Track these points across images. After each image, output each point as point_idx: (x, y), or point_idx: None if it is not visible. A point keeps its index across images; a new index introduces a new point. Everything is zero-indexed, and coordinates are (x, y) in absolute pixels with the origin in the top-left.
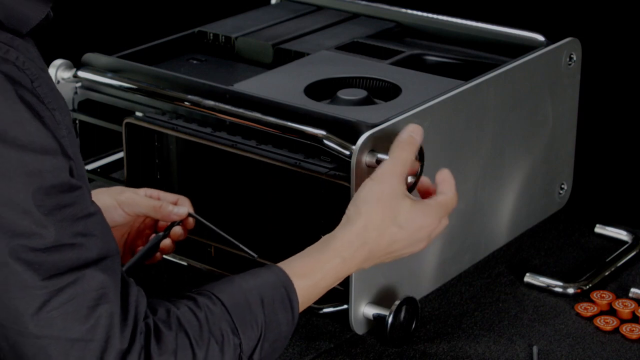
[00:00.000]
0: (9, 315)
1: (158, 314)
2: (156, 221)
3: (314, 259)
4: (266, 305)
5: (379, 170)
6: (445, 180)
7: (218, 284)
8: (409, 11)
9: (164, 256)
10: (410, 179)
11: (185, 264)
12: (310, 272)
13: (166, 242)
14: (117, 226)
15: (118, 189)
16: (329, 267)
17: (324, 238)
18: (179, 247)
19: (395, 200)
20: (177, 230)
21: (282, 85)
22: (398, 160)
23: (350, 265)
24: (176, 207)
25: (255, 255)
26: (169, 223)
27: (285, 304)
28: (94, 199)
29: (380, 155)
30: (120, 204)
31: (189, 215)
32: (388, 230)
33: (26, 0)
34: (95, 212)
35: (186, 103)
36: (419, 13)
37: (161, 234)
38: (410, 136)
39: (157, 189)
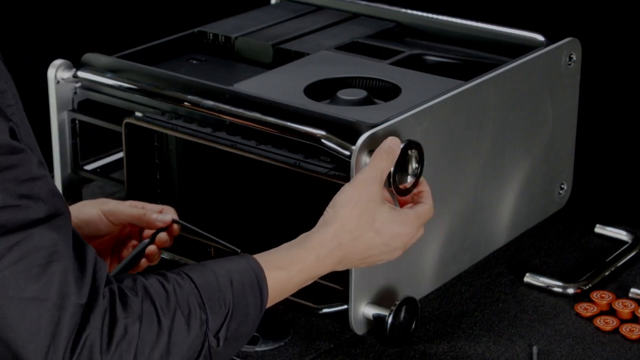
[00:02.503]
0: None
1: (124, 282)
2: (141, 230)
3: (289, 253)
4: (235, 286)
5: (359, 176)
6: (423, 190)
7: (190, 265)
8: (409, 11)
9: (163, 256)
10: (410, 179)
11: (185, 264)
12: (284, 265)
13: (152, 249)
14: (102, 236)
15: (102, 200)
16: (303, 264)
17: (301, 236)
18: (179, 247)
19: (372, 205)
20: (163, 236)
21: (282, 85)
22: (377, 168)
23: (325, 264)
24: (160, 214)
25: (239, 251)
26: (154, 231)
27: (255, 287)
28: (78, 210)
29: None
30: (104, 213)
31: (173, 221)
32: (364, 236)
33: None
34: (41, 176)
35: (186, 103)
36: (419, 13)
37: (147, 240)
38: (390, 147)
39: (143, 202)
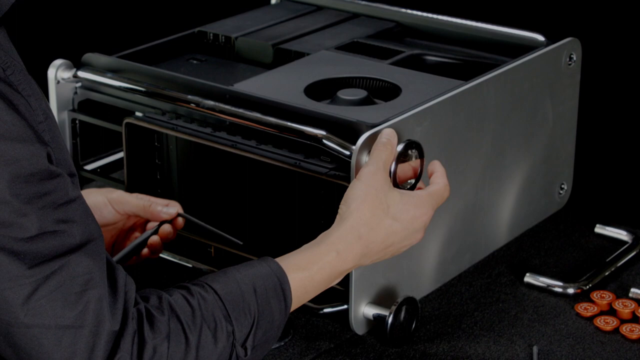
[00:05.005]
0: None
1: (150, 301)
2: (146, 222)
3: (310, 252)
4: (259, 293)
5: (362, 170)
6: (436, 171)
7: (212, 275)
8: (409, 11)
9: (163, 256)
10: (408, 174)
11: (185, 264)
12: (305, 265)
13: (155, 239)
14: (106, 225)
15: (109, 189)
16: (324, 261)
17: (320, 235)
18: (179, 247)
19: (382, 193)
20: (166, 228)
21: (282, 85)
22: (379, 160)
23: (346, 259)
24: (166, 207)
25: (241, 243)
26: (158, 223)
27: (278, 292)
28: (84, 196)
29: None
30: (110, 201)
31: (178, 215)
32: (382, 224)
33: None
34: (76, 198)
35: (186, 103)
36: (419, 13)
37: (150, 230)
38: (387, 139)
39: (149, 195)
